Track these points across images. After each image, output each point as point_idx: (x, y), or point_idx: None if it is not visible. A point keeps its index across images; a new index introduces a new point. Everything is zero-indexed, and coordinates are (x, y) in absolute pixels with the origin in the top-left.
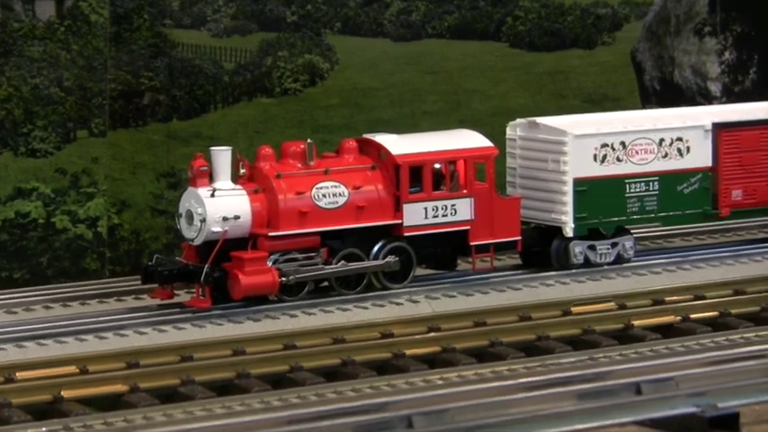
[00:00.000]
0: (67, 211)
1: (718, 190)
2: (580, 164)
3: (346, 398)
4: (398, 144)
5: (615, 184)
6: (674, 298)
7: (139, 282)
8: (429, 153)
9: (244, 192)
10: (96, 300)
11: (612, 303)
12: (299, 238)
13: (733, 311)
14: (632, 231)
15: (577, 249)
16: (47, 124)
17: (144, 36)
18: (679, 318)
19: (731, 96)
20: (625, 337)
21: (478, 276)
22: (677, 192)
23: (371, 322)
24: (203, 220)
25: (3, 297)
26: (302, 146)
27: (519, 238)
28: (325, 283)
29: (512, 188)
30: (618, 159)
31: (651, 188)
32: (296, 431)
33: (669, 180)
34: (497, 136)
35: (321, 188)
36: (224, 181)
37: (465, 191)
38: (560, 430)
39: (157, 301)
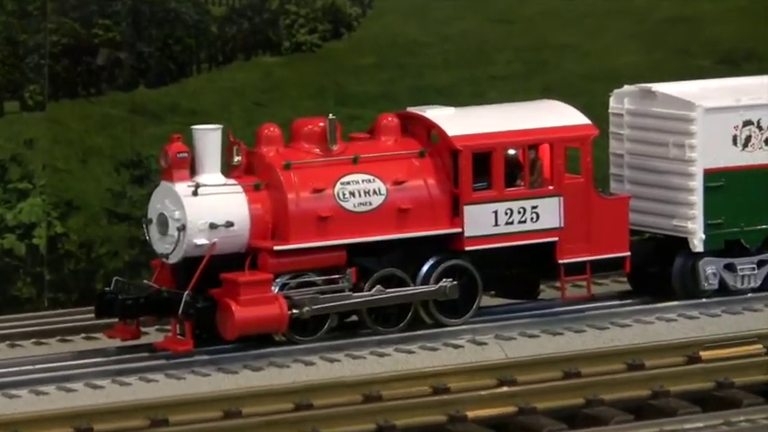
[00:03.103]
0: None
1: None
2: (714, 149)
3: None
4: (457, 122)
5: (763, 178)
6: None
7: (92, 315)
8: (500, 134)
9: (239, 188)
10: (31, 340)
11: (759, 346)
12: (318, 253)
13: None
14: None
15: (710, 270)
16: None
17: None
18: None
19: None
20: None
21: (570, 308)
22: None
23: (419, 372)
24: (182, 229)
25: None
26: (321, 124)
27: (627, 253)
28: (355, 318)
29: (617, 183)
30: (766, 143)
31: None
32: None
33: None
34: (597, 109)
35: (348, 183)
36: (211, 173)
37: (551, 187)
38: None
39: (117, 342)
